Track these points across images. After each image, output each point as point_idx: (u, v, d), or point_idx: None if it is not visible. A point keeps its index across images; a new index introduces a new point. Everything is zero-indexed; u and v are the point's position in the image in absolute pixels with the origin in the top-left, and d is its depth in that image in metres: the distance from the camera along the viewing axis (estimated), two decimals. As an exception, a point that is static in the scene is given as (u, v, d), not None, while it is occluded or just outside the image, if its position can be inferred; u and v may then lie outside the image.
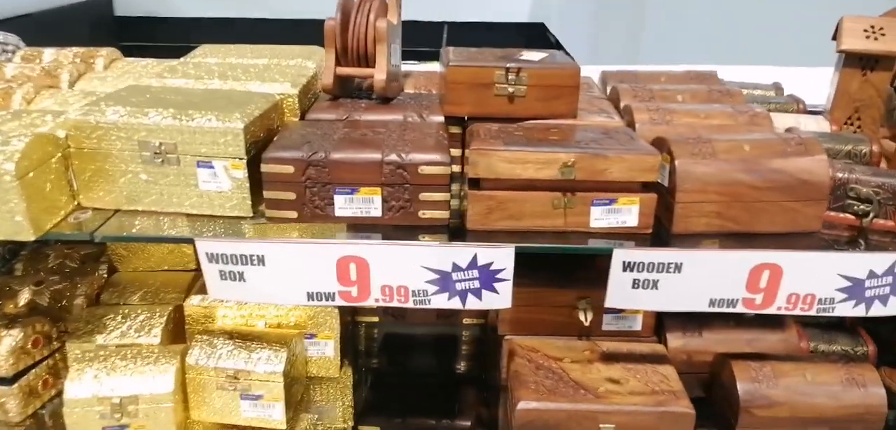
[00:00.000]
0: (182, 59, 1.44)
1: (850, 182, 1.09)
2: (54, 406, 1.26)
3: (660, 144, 1.11)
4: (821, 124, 1.26)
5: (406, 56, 1.51)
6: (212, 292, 1.10)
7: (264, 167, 1.06)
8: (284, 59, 1.43)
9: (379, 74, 1.26)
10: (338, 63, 1.29)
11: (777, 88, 1.49)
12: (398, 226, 1.10)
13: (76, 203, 1.11)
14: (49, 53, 1.49)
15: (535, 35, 7.52)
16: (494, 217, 1.02)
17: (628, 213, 0.99)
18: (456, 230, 1.10)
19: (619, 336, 1.29)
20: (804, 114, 1.35)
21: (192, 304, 1.30)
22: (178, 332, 1.31)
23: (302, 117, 1.26)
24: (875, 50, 1.25)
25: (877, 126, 1.32)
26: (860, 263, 1.04)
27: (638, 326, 1.28)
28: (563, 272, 1.28)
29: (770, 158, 1.06)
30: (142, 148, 1.07)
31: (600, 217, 1.00)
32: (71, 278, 1.37)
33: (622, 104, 1.33)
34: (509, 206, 1.02)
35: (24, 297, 1.30)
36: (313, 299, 1.10)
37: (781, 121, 1.27)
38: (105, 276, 1.42)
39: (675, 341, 1.27)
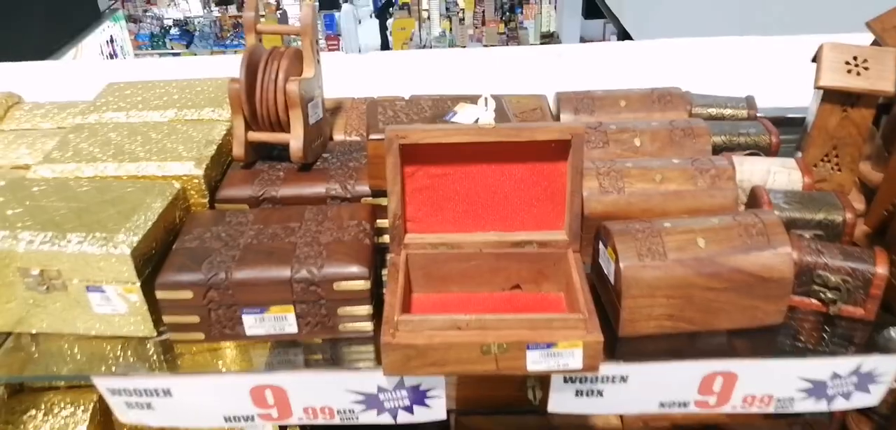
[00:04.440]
0: (83, 113, 1.28)
1: (817, 267, 0.98)
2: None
3: (604, 234, 0.99)
4: (792, 176, 1.12)
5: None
6: (121, 419, 1.01)
7: (159, 294, 0.94)
8: (194, 109, 1.27)
9: (295, 143, 1.12)
10: (248, 128, 1.15)
11: (750, 105, 1.33)
12: (319, 341, 1.00)
13: (-37, 327, 1.01)
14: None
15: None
16: (414, 365, 0.89)
17: (571, 356, 0.88)
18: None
19: (572, 406, 1.21)
20: (775, 156, 1.21)
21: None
22: (107, 422, 1.23)
23: (213, 195, 1.13)
24: (857, 87, 1.10)
25: (855, 164, 1.19)
26: (822, 367, 0.95)
27: (591, 396, 1.20)
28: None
29: (728, 255, 0.94)
30: (22, 276, 0.95)
31: (538, 361, 0.89)
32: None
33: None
34: (431, 354, 0.89)
35: (-64, 394, 1.22)
36: (231, 421, 1.01)
37: (749, 170, 1.13)
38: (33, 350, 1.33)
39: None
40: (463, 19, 7.09)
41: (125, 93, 1.34)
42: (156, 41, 6.91)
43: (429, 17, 7.04)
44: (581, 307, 0.91)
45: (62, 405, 1.21)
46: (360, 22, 5.57)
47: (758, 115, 1.33)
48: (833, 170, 1.19)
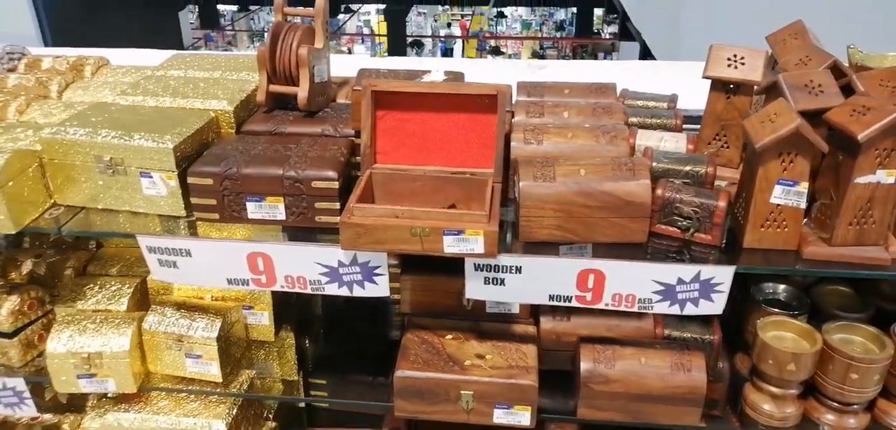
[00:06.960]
0: (153, 70, 1.71)
1: (675, 201, 1.28)
2: (49, 355, 1.59)
3: (514, 166, 1.32)
4: (679, 144, 1.43)
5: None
6: (153, 275, 1.39)
7: (190, 179, 1.32)
8: (235, 72, 1.67)
9: (301, 93, 1.50)
10: (270, 81, 1.54)
11: (671, 100, 1.64)
12: (299, 227, 1.36)
13: (52, 201, 1.41)
14: (47, 62, 1.78)
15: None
16: (363, 241, 1.22)
17: (475, 242, 1.20)
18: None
19: (501, 319, 1.52)
20: (675, 132, 1.51)
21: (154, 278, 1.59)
22: (144, 300, 1.61)
23: (239, 127, 1.52)
24: (735, 78, 1.40)
25: (740, 142, 1.48)
26: (670, 271, 1.24)
27: (516, 310, 1.51)
28: (452, 265, 1.49)
29: (600, 182, 1.25)
30: (97, 161, 1.35)
31: (452, 244, 1.21)
32: (64, 252, 1.69)
33: (514, 120, 1.52)
34: (375, 233, 1.20)
35: (26, 267, 1.62)
36: (232, 285, 1.37)
37: (647, 138, 1.44)
38: (95, 248, 1.74)
39: (546, 323, 1.50)
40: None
41: (186, 60, 1.76)
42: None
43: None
44: (485, 209, 1.23)
45: (112, 284, 1.60)
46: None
47: (676, 107, 1.64)
48: (723, 147, 1.48)
